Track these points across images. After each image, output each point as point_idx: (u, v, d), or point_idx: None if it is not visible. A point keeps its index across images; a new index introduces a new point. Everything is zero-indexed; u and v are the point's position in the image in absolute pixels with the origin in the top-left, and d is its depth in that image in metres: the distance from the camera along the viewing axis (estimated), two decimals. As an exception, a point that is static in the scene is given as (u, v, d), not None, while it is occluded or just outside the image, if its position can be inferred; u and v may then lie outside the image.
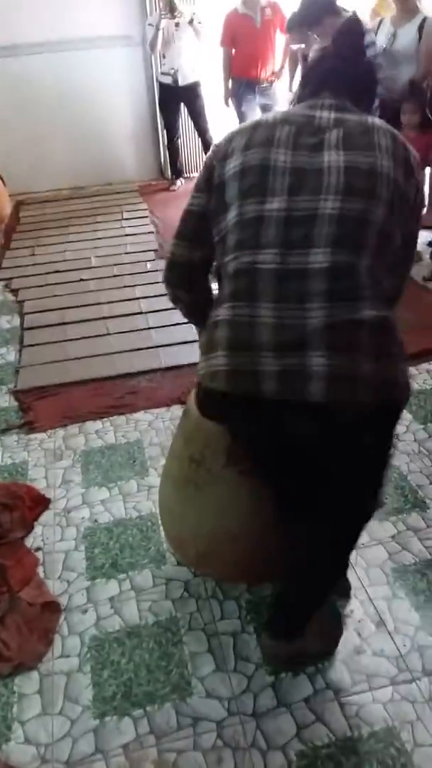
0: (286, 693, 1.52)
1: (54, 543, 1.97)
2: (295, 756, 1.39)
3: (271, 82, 4.85)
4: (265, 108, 4.93)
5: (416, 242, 1.36)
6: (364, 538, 1.91)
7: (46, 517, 2.08)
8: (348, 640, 1.63)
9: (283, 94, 4.89)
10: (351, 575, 1.79)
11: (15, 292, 3.78)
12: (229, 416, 1.30)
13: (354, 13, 1.42)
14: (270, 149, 1.20)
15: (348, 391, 1.10)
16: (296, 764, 1.38)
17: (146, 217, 4.92)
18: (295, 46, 4.38)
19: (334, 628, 1.63)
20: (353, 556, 1.84)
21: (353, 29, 1.36)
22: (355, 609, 1.71)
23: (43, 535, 2.01)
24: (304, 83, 1.40)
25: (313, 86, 1.32)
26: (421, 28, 3.52)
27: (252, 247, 1.18)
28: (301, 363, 1.10)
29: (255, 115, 5.01)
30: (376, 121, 1.24)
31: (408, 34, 3.56)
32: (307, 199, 1.16)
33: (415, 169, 1.24)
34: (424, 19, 3.54)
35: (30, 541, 1.98)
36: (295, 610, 1.52)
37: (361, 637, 1.64)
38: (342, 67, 1.30)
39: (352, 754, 1.39)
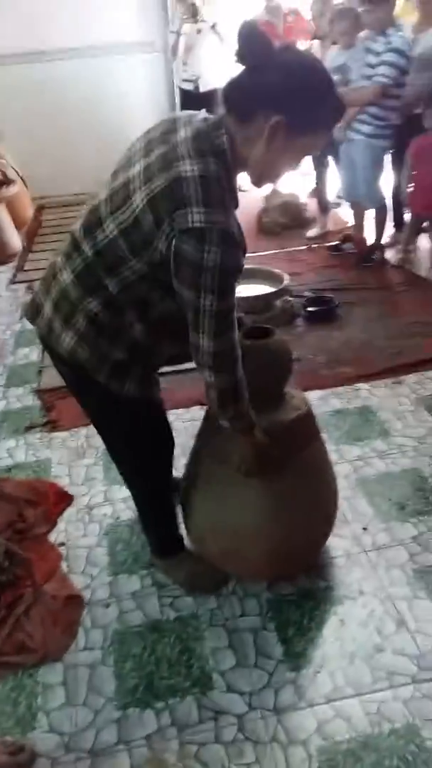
0: (307, 689, 1.53)
1: (77, 539, 2.01)
2: (316, 751, 1.40)
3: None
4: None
5: (199, 312, 1.25)
6: (384, 539, 1.92)
7: (70, 513, 2.11)
8: (368, 638, 1.64)
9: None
10: (372, 575, 1.80)
11: (38, 294, 3.83)
12: None
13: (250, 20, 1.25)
14: (135, 143, 1.36)
15: None
16: (317, 759, 1.39)
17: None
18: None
19: (197, 574, 1.81)
20: (374, 556, 1.86)
21: (252, 34, 1.20)
22: (376, 608, 1.72)
23: (66, 530, 2.04)
24: None
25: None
26: (442, 34, 3.53)
27: None
28: None
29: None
30: (185, 151, 1.22)
31: (429, 40, 3.56)
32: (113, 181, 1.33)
33: (168, 216, 1.20)
34: (446, 26, 3.55)
35: (54, 537, 2.02)
36: (146, 529, 1.85)
37: (382, 635, 1.64)
38: (240, 79, 1.22)
39: (373, 751, 1.39)
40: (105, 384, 1.43)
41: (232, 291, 1.26)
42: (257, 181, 1.32)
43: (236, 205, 1.28)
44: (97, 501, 2.16)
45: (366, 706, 1.48)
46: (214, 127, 1.25)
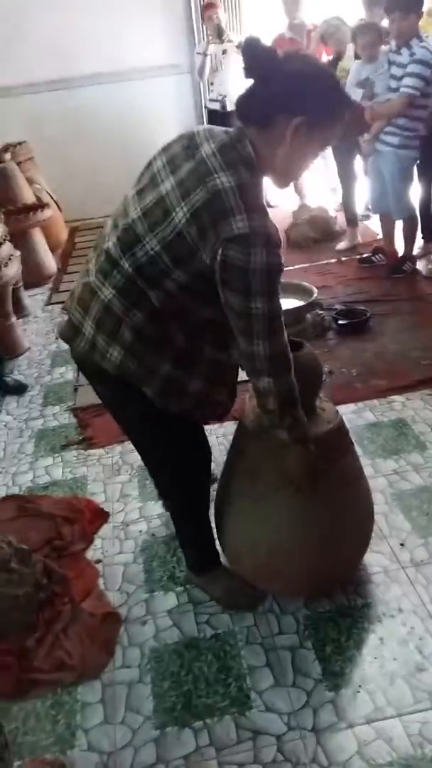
0: (347, 709, 1.50)
1: (113, 555, 2.03)
2: (357, 773, 1.38)
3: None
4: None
5: (248, 318, 1.30)
6: (422, 554, 1.89)
7: (106, 530, 2.13)
8: (409, 657, 1.60)
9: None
10: (410, 592, 1.77)
11: (72, 314, 3.90)
12: None
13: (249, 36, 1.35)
14: (159, 156, 1.42)
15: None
16: (358, 781, 1.36)
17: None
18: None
19: (234, 590, 1.81)
20: (413, 572, 1.83)
21: (256, 47, 1.30)
22: (416, 626, 1.68)
23: (102, 547, 2.06)
24: None
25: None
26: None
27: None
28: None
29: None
30: (218, 164, 1.28)
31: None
32: (135, 206, 1.40)
33: (213, 228, 1.25)
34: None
35: (90, 554, 2.04)
36: (183, 544, 1.85)
37: (423, 654, 1.61)
38: (253, 91, 1.32)
39: (416, 773, 1.36)
40: (151, 398, 1.46)
41: (278, 292, 1.32)
42: (284, 181, 1.41)
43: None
44: (132, 517, 2.17)
45: (407, 726, 1.45)
46: (237, 138, 1.32)
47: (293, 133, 1.29)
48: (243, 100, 1.33)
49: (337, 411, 1.66)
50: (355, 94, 3.63)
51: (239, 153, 1.30)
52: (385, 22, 3.81)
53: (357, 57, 3.73)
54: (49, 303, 4.31)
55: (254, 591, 1.79)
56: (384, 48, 3.55)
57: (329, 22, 4.08)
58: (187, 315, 1.41)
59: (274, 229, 1.30)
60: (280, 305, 1.33)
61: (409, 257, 3.99)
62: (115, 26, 5.21)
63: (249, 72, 1.30)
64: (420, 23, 3.42)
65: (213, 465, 2.36)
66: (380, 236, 4.29)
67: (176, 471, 1.66)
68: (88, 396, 2.95)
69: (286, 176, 1.40)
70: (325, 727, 1.47)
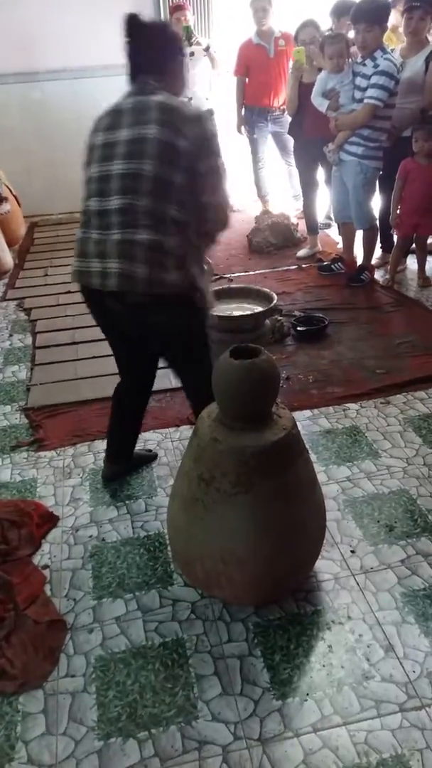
0: (293, 718, 1.49)
1: (61, 561, 1.97)
2: (302, 783, 1.37)
3: (283, 111, 4.93)
4: (276, 135, 5.02)
5: (217, 174, 1.80)
6: (372, 561, 1.90)
7: (54, 534, 2.08)
8: (356, 665, 1.61)
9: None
10: (360, 599, 1.78)
11: (28, 311, 3.83)
12: (87, 302, 1.97)
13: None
14: (95, 134, 1.85)
15: (128, 284, 1.74)
16: (303, 791, 1.35)
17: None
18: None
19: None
20: (362, 579, 1.84)
21: (136, 22, 1.85)
22: (364, 633, 1.69)
23: (50, 552, 2.00)
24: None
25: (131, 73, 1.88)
26: (428, 60, 3.60)
27: (87, 196, 1.84)
28: (105, 266, 1.76)
29: (266, 142, 5.10)
30: (155, 98, 1.76)
31: (415, 65, 3.63)
32: (107, 165, 1.77)
33: (181, 125, 1.72)
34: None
35: (37, 559, 1.98)
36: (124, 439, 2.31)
37: (370, 662, 1.61)
38: (150, 55, 1.85)
39: (360, 783, 1.36)
40: (198, 300, 1.85)
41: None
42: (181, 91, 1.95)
43: None
44: (82, 522, 2.12)
45: (354, 735, 1.45)
46: (152, 87, 1.81)
47: (179, 68, 1.93)
48: (142, 62, 1.87)
49: (293, 418, 1.65)
50: (321, 104, 3.67)
51: (155, 90, 1.82)
52: (351, 33, 3.87)
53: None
54: (4, 299, 4.20)
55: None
56: (349, 60, 3.60)
57: (306, 27, 4.09)
58: (196, 217, 1.79)
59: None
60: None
61: (367, 267, 4.05)
62: (82, 23, 5.14)
63: (132, 40, 1.86)
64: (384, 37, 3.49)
65: (168, 469, 2.35)
66: (340, 245, 4.34)
67: (210, 350, 1.99)
68: (41, 396, 2.89)
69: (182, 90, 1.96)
70: (271, 737, 1.46)
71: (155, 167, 1.70)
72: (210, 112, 1.80)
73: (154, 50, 1.85)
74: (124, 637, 1.71)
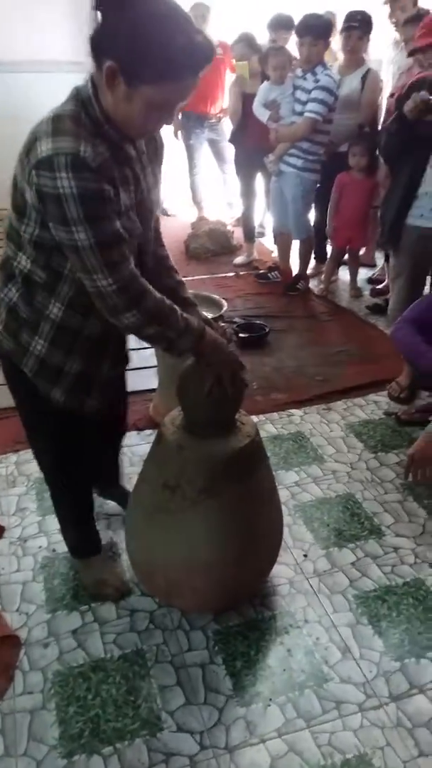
0: (258, 724, 1.50)
1: (10, 573, 1.89)
2: (271, 788, 1.38)
3: (219, 118, 4.98)
4: (212, 142, 5.06)
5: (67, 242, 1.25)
6: (325, 565, 1.95)
7: (1, 546, 1.99)
8: (316, 667, 1.64)
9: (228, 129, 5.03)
10: (315, 602, 1.82)
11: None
12: None
13: None
14: None
15: None
16: (272, 796, 1.36)
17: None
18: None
19: (102, 582, 1.86)
20: (316, 582, 1.88)
21: None
22: (321, 636, 1.73)
23: (-2, 565, 1.92)
24: None
25: None
26: (364, 78, 3.75)
27: None
28: None
29: (202, 148, 5.13)
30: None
31: (352, 83, 3.77)
32: None
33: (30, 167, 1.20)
34: (368, 71, 3.78)
35: (-16, 572, 1.89)
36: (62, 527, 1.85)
37: (328, 664, 1.65)
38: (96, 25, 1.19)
39: (327, 784, 1.39)
40: (32, 380, 1.46)
41: (104, 219, 1.21)
42: (126, 131, 1.27)
43: (114, 149, 1.25)
44: (30, 532, 2.05)
45: (317, 737, 1.48)
46: (85, 79, 1.25)
47: (107, 78, 1.17)
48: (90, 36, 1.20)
49: (255, 425, 1.67)
50: (262, 114, 3.73)
51: (77, 91, 1.24)
52: (288, 46, 3.98)
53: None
54: None
55: (123, 587, 1.83)
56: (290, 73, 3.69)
57: (239, 43, 4.15)
58: (56, 279, 1.34)
59: (92, 153, 1.17)
60: (112, 232, 1.23)
61: (303, 276, 4.15)
62: (20, 16, 4.96)
63: (96, 4, 1.17)
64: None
65: (126, 476, 2.31)
66: (275, 254, 4.43)
67: (59, 468, 1.68)
68: (-21, 401, 2.76)
69: (124, 126, 1.25)
70: (237, 744, 1.46)
71: (11, 213, 1.38)
72: (72, 160, 1.20)
73: None
74: (82, 651, 1.66)
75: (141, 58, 1.14)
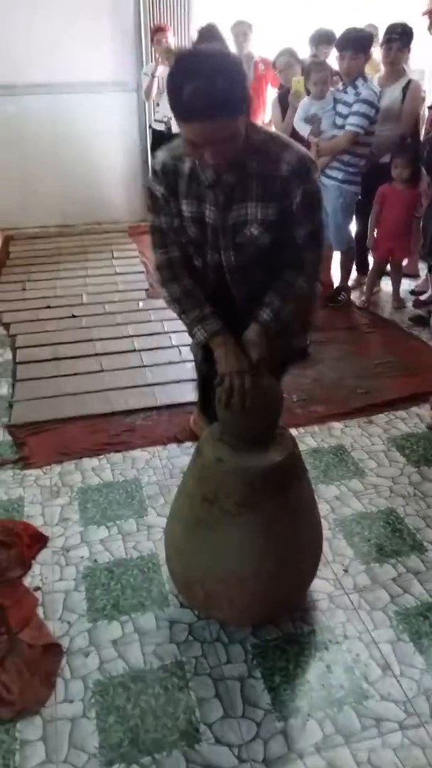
0: (297, 739, 1.50)
1: (53, 583, 1.94)
2: (309, 805, 1.37)
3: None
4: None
5: None
6: (365, 580, 1.93)
7: (45, 555, 2.04)
8: (355, 684, 1.62)
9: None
10: (355, 618, 1.80)
11: (6, 326, 3.77)
12: None
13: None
14: None
15: None
16: None
17: (136, 257, 4.99)
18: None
19: None
20: (356, 598, 1.87)
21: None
22: (361, 653, 1.71)
23: (41, 574, 1.97)
24: None
25: None
26: (405, 88, 3.74)
27: None
28: None
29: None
30: None
31: (393, 94, 3.76)
32: None
33: None
34: (409, 81, 3.77)
35: (28, 581, 1.94)
36: None
37: (368, 681, 1.63)
38: None
39: (366, 803, 1.37)
40: None
41: (151, 210, 1.77)
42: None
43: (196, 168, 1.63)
44: (73, 543, 2.09)
45: (357, 755, 1.46)
46: None
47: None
48: None
49: (294, 438, 1.67)
50: (303, 129, 3.76)
51: None
52: (329, 60, 4.00)
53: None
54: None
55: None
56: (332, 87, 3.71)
57: (283, 55, 4.22)
58: None
59: (162, 162, 1.68)
60: (151, 221, 1.77)
61: (344, 288, 4.13)
62: (64, 38, 5.14)
63: None
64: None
65: (157, 488, 2.34)
66: (317, 266, 4.42)
67: None
68: (25, 413, 2.85)
69: None
70: (275, 758, 1.46)
71: None
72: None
73: None
74: (122, 661, 1.69)
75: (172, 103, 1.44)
